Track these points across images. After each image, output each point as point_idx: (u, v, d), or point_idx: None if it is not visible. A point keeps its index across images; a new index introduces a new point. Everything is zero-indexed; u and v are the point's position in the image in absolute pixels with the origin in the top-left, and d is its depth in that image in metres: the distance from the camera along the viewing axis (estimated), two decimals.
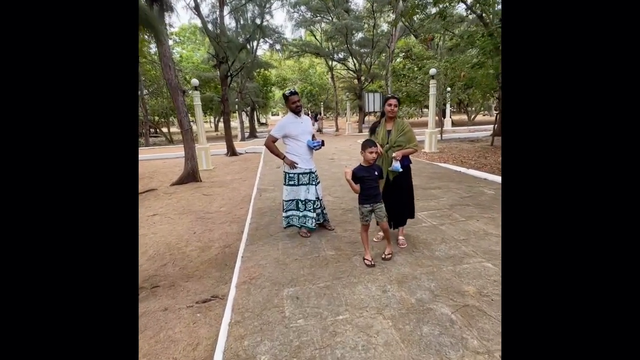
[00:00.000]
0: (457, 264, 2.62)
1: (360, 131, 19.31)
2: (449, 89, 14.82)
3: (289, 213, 3.35)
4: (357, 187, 2.65)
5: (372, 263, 2.64)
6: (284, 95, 3.22)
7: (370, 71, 19.25)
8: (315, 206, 3.29)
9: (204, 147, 9.00)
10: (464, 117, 26.57)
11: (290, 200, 3.30)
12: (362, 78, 19.83)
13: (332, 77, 21.68)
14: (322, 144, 3.19)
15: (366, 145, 2.61)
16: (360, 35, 19.38)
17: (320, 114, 25.55)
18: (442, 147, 10.44)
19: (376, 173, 2.62)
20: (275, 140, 3.17)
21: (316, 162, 3.42)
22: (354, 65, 19.91)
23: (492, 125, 13.96)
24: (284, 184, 3.28)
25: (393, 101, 2.86)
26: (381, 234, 3.07)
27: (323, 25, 20.87)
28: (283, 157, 3.17)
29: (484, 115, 28.55)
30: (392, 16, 19.00)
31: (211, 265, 3.03)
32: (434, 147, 10.05)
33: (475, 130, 16.06)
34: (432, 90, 10.00)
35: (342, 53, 20.11)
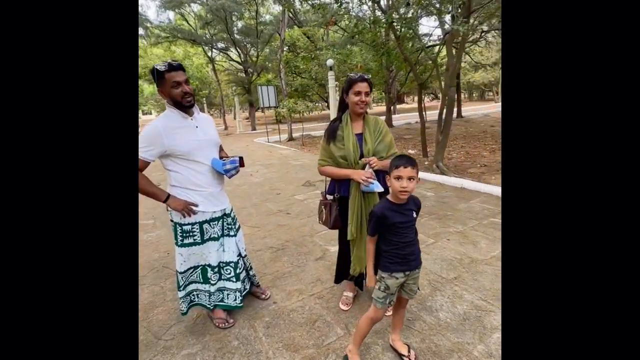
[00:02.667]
0: (483, 334, 1.72)
1: (254, 129, 17.72)
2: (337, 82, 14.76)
3: (191, 288, 1.87)
4: (372, 245, 1.46)
5: None
6: (154, 71, 1.56)
7: (257, 63, 17.75)
8: (238, 271, 1.89)
9: None
10: None
11: (189, 269, 1.81)
12: (250, 70, 18.15)
13: (214, 70, 19.18)
14: (241, 163, 1.79)
15: (392, 162, 1.37)
16: (241, 23, 17.56)
17: (203, 111, 22.53)
18: None
19: (414, 214, 1.43)
20: (144, 166, 1.58)
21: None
22: (239, 56, 18.00)
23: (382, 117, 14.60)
24: (176, 244, 1.76)
25: (363, 86, 1.71)
26: (389, 313, 1.85)
27: (195, 8, 18.09)
28: (165, 199, 1.63)
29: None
30: (275, 6, 17.91)
31: None
32: None
33: None
34: (331, 83, 9.42)
35: (224, 42, 17.87)
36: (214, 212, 1.77)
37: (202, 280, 1.85)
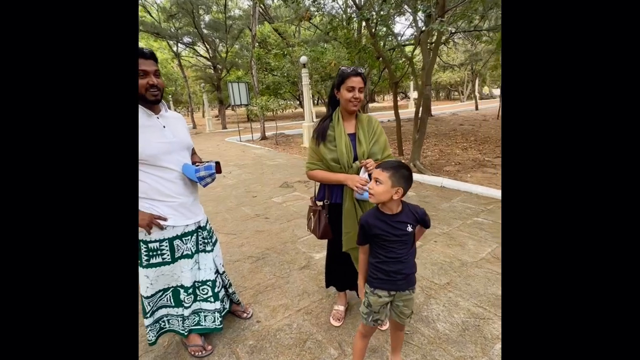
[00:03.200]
0: (485, 346, 1.62)
1: (224, 127, 17.08)
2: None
3: (161, 313, 1.61)
4: (363, 255, 1.34)
5: None
6: None
7: (227, 59, 17.10)
8: (216, 290, 1.66)
9: None
10: (323, 108, 28.01)
11: (158, 292, 1.56)
12: (219, 67, 17.45)
13: (180, 65, 18.23)
14: (218, 169, 1.55)
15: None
16: (209, 17, 16.80)
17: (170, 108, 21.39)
18: None
19: (409, 228, 1.25)
20: None
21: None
22: (207, 52, 17.23)
23: None
24: (141, 265, 1.49)
25: (357, 81, 1.53)
26: (385, 327, 1.75)
27: (159, 0, 17.09)
28: None
29: None
30: (244, 0, 17.34)
31: None
32: None
33: None
34: (305, 80, 9.21)
35: (190, 37, 17.01)
36: (187, 225, 1.52)
37: (173, 304, 1.60)
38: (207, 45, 16.63)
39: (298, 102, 21.47)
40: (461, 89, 31.42)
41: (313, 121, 9.61)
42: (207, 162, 1.52)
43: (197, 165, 1.49)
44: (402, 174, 1.20)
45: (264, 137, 11.41)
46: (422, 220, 1.28)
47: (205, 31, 16.41)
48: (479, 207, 3.53)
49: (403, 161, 6.55)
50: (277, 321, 1.88)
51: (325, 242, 1.83)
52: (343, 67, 1.58)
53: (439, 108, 21.52)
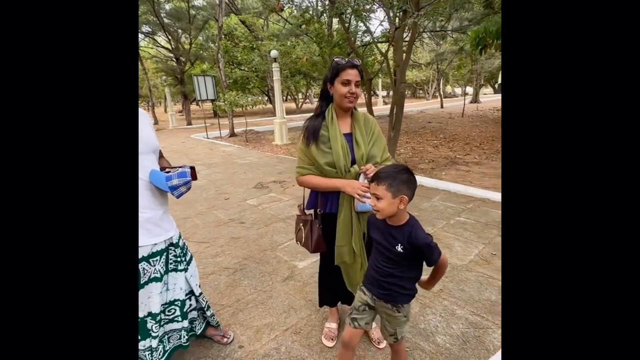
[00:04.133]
0: (487, 359, 1.53)
1: (189, 123, 16.20)
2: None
3: None
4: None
5: None
6: None
7: (191, 51, 16.18)
8: (185, 309, 1.42)
9: None
10: (292, 105, 27.70)
11: None
12: (182, 59, 16.48)
13: (139, 57, 16.97)
14: (193, 175, 1.29)
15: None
16: (170, 6, 15.76)
17: None
18: (291, 137, 9.61)
19: (398, 248, 1.09)
20: None
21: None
22: (169, 42, 16.18)
23: None
24: None
25: (353, 74, 1.34)
26: (383, 345, 1.62)
27: None
28: None
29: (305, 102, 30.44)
30: None
31: None
32: (286, 138, 9.12)
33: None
34: (276, 75, 8.90)
35: (149, 26, 15.86)
36: (154, 245, 1.26)
37: (140, 337, 1.34)
38: (168, 35, 15.61)
39: (267, 98, 20.94)
40: (427, 87, 32.47)
41: (284, 117, 9.33)
42: (180, 167, 1.27)
43: (167, 172, 1.23)
44: (401, 180, 1.05)
45: (232, 134, 10.92)
46: (417, 249, 1.07)
47: (166, 20, 15.40)
48: (459, 205, 3.52)
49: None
50: (262, 345, 1.67)
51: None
52: (337, 59, 1.39)
53: (407, 106, 21.99)
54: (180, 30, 16.43)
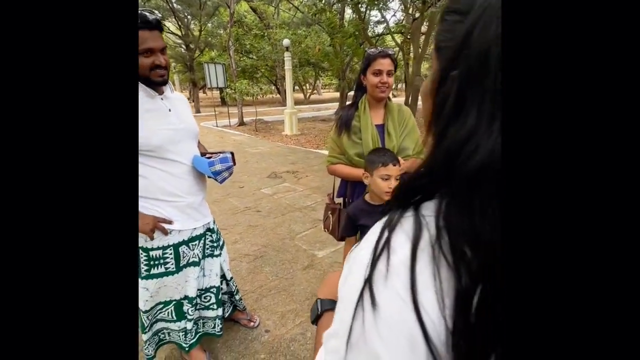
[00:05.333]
0: None
1: (198, 111, 16.20)
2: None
3: (159, 326, 1.39)
4: (350, 244, 1.31)
5: None
6: None
7: (200, 38, 16.07)
8: (219, 297, 1.46)
9: None
10: (300, 95, 27.52)
11: (157, 306, 1.33)
12: (191, 46, 16.39)
13: None
14: (233, 160, 1.31)
15: (375, 158, 1.17)
16: None
17: None
18: (301, 128, 9.60)
19: None
20: None
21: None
22: (179, 29, 16.08)
23: (335, 104, 14.38)
24: (140, 276, 1.25)
25: (385, 63, 1.34)
26: None
27: None
28: None
29: (313, 94, 30.21)
30: None
31: None
32: (296, 128, 9.10)
33: (320, 108, 16.35)
34: (288, 65, 8.83)
35: (160, 11, 15.74)
36: (194, 229, 1.29)
37: (175, 319, 1.38)
38: (179, 22, 15.51)
39: (274, 88, 20.82)
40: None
41: (294, 108, 9.30)
42: (220, 152, 1.29)
43: (208, 158, 1.25)
44: (367, 159, 1.20)
45: (242, 123, 10.93)
46: None
47: (176, 5, 15.27)
48: None
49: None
50: (288, 330, 1.72)
51: (327, 238, 1.67)
52: (370, 49, 1.40)
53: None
54: (190, 17, 16.31)
